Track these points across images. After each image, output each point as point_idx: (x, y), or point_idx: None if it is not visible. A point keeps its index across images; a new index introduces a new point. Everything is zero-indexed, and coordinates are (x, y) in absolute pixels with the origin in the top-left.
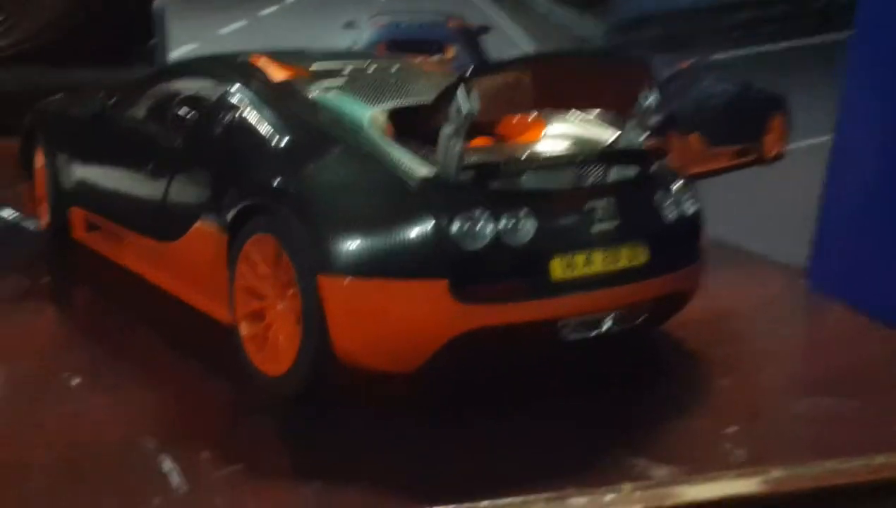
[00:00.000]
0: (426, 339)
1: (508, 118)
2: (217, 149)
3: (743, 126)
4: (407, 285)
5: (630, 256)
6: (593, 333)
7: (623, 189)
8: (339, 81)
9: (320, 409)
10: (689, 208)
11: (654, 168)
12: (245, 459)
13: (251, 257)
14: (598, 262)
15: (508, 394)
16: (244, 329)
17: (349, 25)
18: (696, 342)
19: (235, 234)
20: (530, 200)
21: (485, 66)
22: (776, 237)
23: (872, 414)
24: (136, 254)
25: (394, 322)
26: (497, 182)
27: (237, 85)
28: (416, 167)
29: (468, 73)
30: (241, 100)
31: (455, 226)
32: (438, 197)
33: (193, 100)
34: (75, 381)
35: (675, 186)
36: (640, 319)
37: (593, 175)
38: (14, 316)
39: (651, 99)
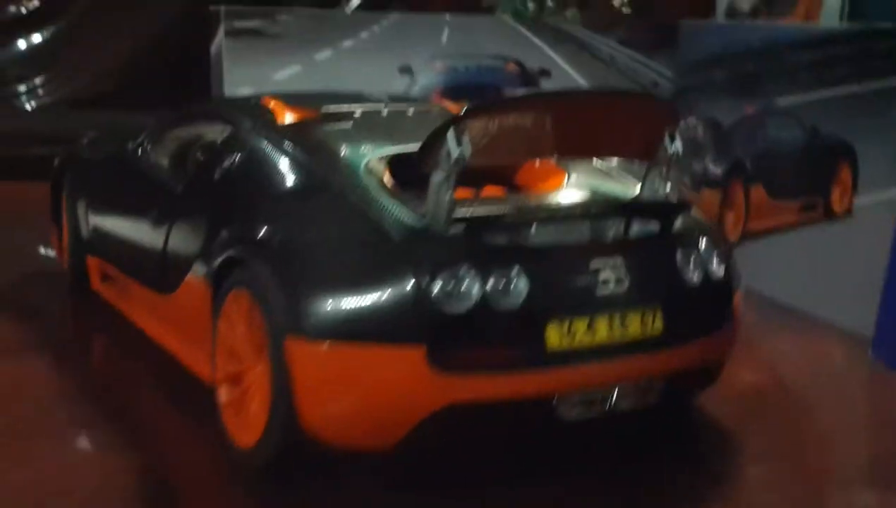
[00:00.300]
0: (400, 413)
1: (529, 165)
2: (213, 195)
3: (809, 177)
4: (379, 351)
5: (642, 323)
6: (597, 412)
7: (636, 246)
8: (346, 125)
9: (310, 480)
10: (718, 269)
11: (677, 223)
12: None
13: (230, 314)
14: (602, 330)
15: (498, 470)
16: (223, 393)
17: (405, 70)
18: (735, 419)
19: (219, 288)
20: (526, 258)
21: (486, 106)
22: (845, 301)
23: None
24: (139, 307)
25: (364, 392)
26: (491, 236)
27: (241, 128)
28: (404, 219)
29: (462, 113)
30: (241, 144)
31: (437, 285)
32: (421, 252)
33: (200, 144)
34: (70, 433)
35: (702, 244)
36: (655, 396)
37: (602, 230)
38: (22, 363)
39: (677, 144)
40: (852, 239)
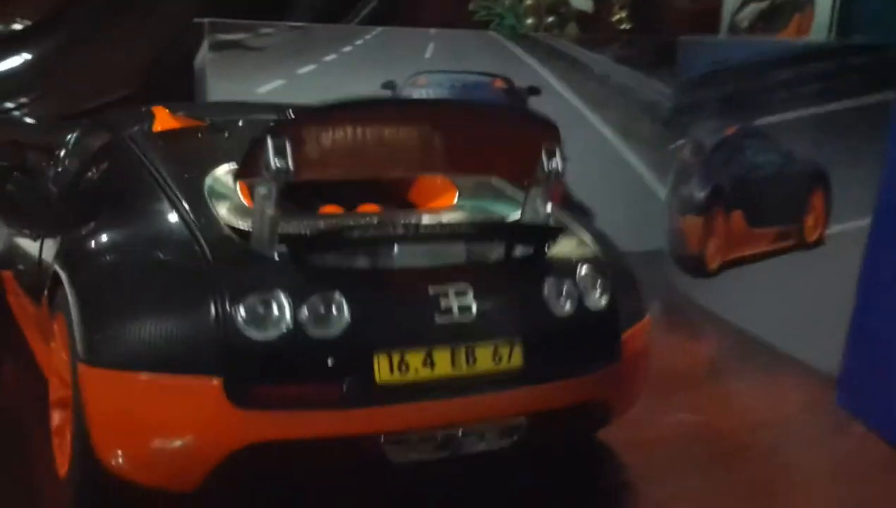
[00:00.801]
0: (197, 451)
1: (421, 181)
2: (75, 203)
3: (784, 203)
4: (170, 382)
5: (494, 358)
6: (438, 455)
7: (491, 272)
8: (221, 135)
9: None
10: (598, 300)
11: (552, 248)
12: None
13: (57, 335)
14: (443, 364)
15: None
16: (54, 418)
17: (387, 86)
18: (659, 469)
19: (51, 305)
20: (355, 282)
21: (317, 112)
22: (815, 337)
23: None
24: (27, 320)
25: (155, 426)
26: (318, 257)
27: (114, 135)
28: (231, 237)
29: (284, 120)
30: (107, 153)
31: (240, 311)
32: (232, 274)
33: (85, 154)
34: None
35: (581, 272)
36: (518, 437)
37: (454, 254)
38: None
39: (556, 163)
40: (824, 270)
